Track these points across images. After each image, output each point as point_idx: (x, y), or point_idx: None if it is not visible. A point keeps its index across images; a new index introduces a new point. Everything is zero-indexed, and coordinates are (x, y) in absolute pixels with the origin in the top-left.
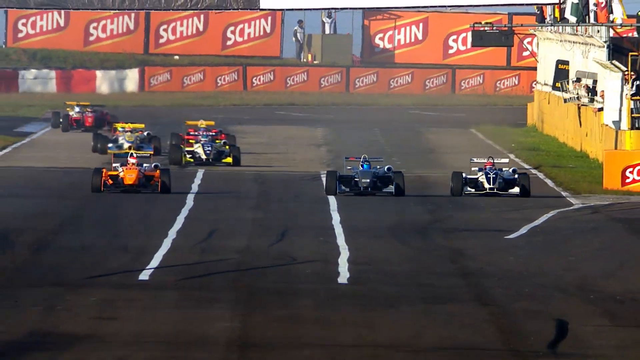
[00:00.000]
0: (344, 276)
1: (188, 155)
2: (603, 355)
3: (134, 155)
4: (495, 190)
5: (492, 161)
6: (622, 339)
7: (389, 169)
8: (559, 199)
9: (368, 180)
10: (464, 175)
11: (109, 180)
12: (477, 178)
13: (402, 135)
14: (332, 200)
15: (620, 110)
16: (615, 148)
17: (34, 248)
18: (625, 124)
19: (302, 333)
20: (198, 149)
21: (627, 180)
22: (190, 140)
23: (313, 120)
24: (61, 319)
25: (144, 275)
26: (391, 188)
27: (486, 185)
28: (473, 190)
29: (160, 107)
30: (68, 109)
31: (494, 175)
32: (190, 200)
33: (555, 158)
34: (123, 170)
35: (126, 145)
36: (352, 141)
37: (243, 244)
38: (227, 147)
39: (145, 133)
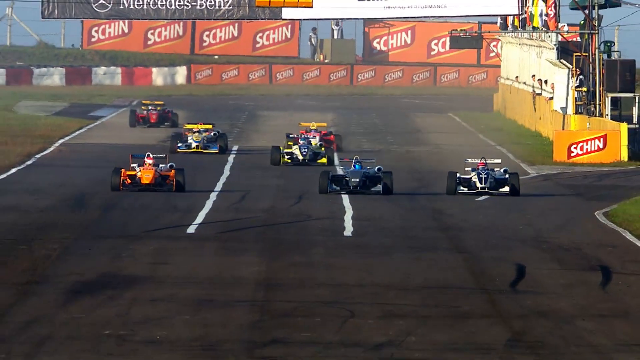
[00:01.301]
0: (348, 230)
1: (286, 157)
2: (553, 292)
3: (151, 156)
4: (486, 190)
5: (484, 161)
6: (568, 279)
7: (379, 169)
8: (519, 168)
9: (357, 180)
10: (458, 175)
11: (128, 179)
12: (470, 178)
13: (394, 118)
14: (296, 150)
15: (566, 99)
16: (563, 129)
17: (103, 208)
18: (570, 109)
19: (314, 275)
20: (295, 150)
21: (572, 154)
22: (289, 143)
23: (324, 107)
24: (125, 263)
25: (191, 229)
26: (379, 187)
27: (478, 185)
28: (466, 189)
29: (204, 96)
30: (143, 107)
31: (485, 175)
32: (227, 170)
33: (515, 137)
34: (140, 171)
35: (194, 144)
36: (355, 123)
37: (268, 205)
38: (322, 148)
39: (212, 133)
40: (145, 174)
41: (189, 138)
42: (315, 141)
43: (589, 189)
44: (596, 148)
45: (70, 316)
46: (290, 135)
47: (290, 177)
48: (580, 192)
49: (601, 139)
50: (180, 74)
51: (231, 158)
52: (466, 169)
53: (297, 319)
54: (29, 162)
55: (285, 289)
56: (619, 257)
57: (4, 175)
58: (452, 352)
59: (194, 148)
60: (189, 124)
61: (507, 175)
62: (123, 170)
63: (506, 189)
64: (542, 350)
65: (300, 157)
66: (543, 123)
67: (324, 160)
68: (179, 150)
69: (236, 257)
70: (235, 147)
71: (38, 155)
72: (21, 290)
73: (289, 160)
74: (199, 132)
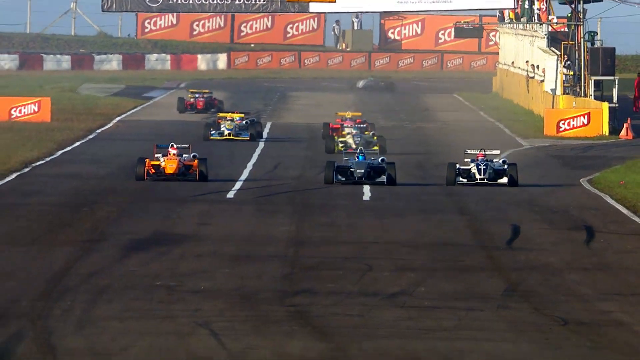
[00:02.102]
0: (367, 195)
1: (340, 145)
2: (544, 249)
3: (174, 146)
4: (485, 181)
5: (483, 153)
6: (557, 238)
7: (382, 160)
8: (514, 141)
9: (362, 171)
10: (457, 166)
11: (152, 169)
12: (470, 169)
13: (407, 98)
14: (349, 139)
15: (555, 82)
16: (552, 107)
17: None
18: (559, 90)
19: (338, 234)
20: (349, 139)
21: (561, 129)
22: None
23: (345, 89)
24: (174, 224)
25: (230, 194)
26: (384, 178)
27: (477, 176)
28: (465, 180)
29: (241, 80)
30: (190, 95)
31: (484, 167)
32: (261, 143)
33: (511, 114)
34: (164, 161)
35: (226, 132)
36: (372, 101)
37: (298, 173)
38: (375, 137)
39: (244, 122)
40: (169, 164)
41: (221, 126)
42: (367, 130)
43: (575, 159)
44: (581, 124)
45: (127, 269)
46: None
47: (316, 149)
48: (567, 162)
49: (585, 116)
50: (221, 60)
51: (259, 148)
52: (465, 160)
53: (322, 272)
54: (90, 136)
55: (312, 245)
56: (601, 218)
57: (69, 148)
58: (456, 300)
59: (226, 135)
60: (222, 107)
61: (505, 166)
62: (147, 160)
63: (505, 179)
64: (534, 299)
65: (354, 146)
66: (535, 102)
67: (376, 148)
68: (212, 137)
69: (269, 219)
70: (269, 124)
71: (98, 130)
72: (84, 247)
73: (343, 149)
74: (231, 120)
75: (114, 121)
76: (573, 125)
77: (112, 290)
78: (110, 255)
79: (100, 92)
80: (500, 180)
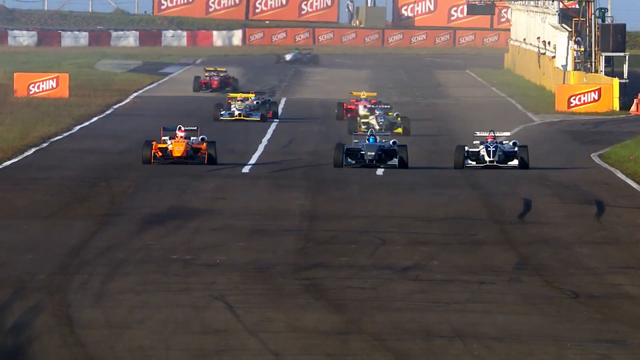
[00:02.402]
0: (380, 170)
1: (362, 126)
2: (555, 223)
3: (182, 128)
4: (495, 163)
5: (493, 135)
6: (568, 212)
7: (394, 142)
8: (525, 117)
9: (373, 154)
10: (466, 148)
11: (159, 152)
12: (479, 151)
13: (419, 74)
14: (372, 120)
15: (566, 58)
16: (563, 83)
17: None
18: (570, 66)
19: (351, 208)
20: (372, 120)
21: (571, 105)
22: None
23: (359, 65)
24: (189, 198)
25: (245, 169)
26: (395, 161)
27: (486, 158)
28: (474, 163)
29: (257, 55)
30: (206, 74)
31: (493, 149)
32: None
33: (523, 90)
34: (172, 143)
35: (236, 112)
36: (386, 79)
37: (312, 148)
38: (399, 118)
39: (255, 102)
40: (176, 147)
41: (232, 106)
42: (391, 111)
43: (586, 135)
44: (592, 99)
45: (143, 243)
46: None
47: (331, 126)
48: (578, 137)
49: (596, 92)
50: (237, 37)
51: (271, 130)
52: (474, 142)
53: (336, 246)
54: (107, 112)
55: (326, 220)
56: (611, 192)
57: (86, 123)
58: (469, 274)
59: (236, 116)
60: (238, 86)
61: (516, 148)
62: (154, 142)
63: (515, 162)
64: (545, 272)
65: (377, 127)
66: (546, 78)
67: (400, 130)
68: (221, 118)
69: (284, 193)
70: (284, 100)
71: (115, 106)
72: (101, 221)
73: (365, 130)
74: (242, 100)
75: (131, 97)
76: (584, 100)
77: (129, 264)
78: (127, 229)
79: (117, 68)
80: (511, 163)
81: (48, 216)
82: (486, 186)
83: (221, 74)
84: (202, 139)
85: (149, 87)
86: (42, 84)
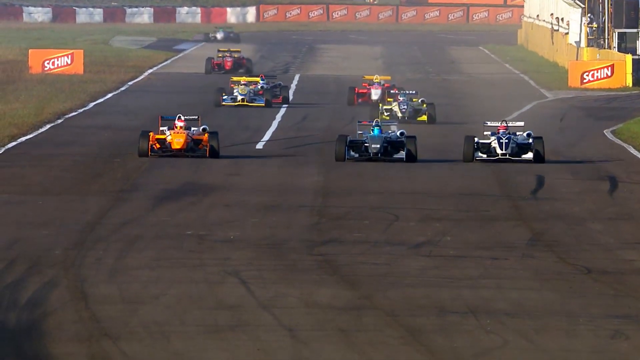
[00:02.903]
0: None
1: (385, 113)
2: (568, 199)
3: (182, 118)
4: (507, 156)
5: (505, 125)
6: (580, 188)
7: (401, 133)
8: (539, 93)
9: (378, 146)
10: (476, 140)
11: (156, 144)
12: (490, 143)
13: (433, 51)
14: (395, 107)
15: (580, 34)
16: (577, 59)
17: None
18: (583, 43)
19: (365, 184)
20: (395, 107)
21: (585, 81)
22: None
23: (373, 42)
24: (203, 174)
25: (259, 145)
26: (402, 154)
27: (498, 151)
28: (485, 156)
29: (270, 32)
30: (219, 54)
31: (506, 140)
32: (290, 95)
33: (536, 66)
34: (170, 135)
35: (239, 97)
36: (399, 55)
37: (325, 124)
38: (424, 105)
39: (259, 86)
40: (175, 139)
41: (234, 91)
42: (415, 97)
43: (599, 111)
44: (605, 76)
45: (158, 219)
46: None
47: (343, 102)
48: (591, 113)
49: (609, 68)
50: (251, 13)
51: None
52: (485, 133)
53: (350, 222)
54: (122, 88)
55: (339, 196)
56: (624, 168)
57: (101, 100)
58: (481, 249)
59: (239, 101)
60: (251, 67)
61: (530, 140)
62: (152, 133)
63: (530, 155)
64: (558, 248)
65: (400, 114)
66: (560, 54)
67: (424, 117)
68: (224, 103)
69: (298, 169)
70: (297, 76)
71: (130, 83)
72: (116, 197)
73: (388, 118)
74: (245, 84)
75: (145, 74)
76: (597, 77)
77: (143, 240)
78: (141, 206)
79: (131, 45)
80: (525, 156)
81: (63, 192)
82: (499, 162)
83: (235, 55)
84: (204, 130)
85: (163, 63)
86: (57, 60)
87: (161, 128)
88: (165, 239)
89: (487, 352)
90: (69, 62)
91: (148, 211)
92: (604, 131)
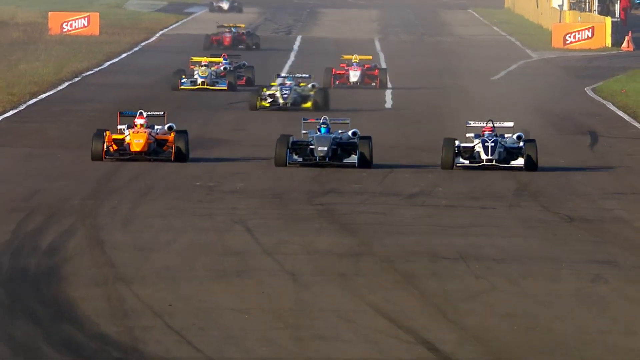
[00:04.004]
0: (389, 103)
1: (267, 100)
2: (552, 152)
3: (143, 114)
4: (494, 163)
5: (491, 126)
6: (564, 142)
7: (354, 133)
8: (524, 53)
9: (325, 149)
10: (457, 143)
11: (113, 145)
12: (474, 147)
13: (426, 14)
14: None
15: None
16: (559, 22)
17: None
18: (566, 6)
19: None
20: (277, 92)
21: (567, 42)
22: (273, 84)
23: (369, 6)
24: (212, 129)
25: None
26: (354, 158)
27: (483, 156)
28: (467, 162)
29: None
30: (217, 29)
31: (492, 144)
32: (292, 56)
33: (522, 28)
34: (130, 134)
35: (199, 80)
36: (393, 16)
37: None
38: (312, 91)
39: (222, 67)
40: (135, 139)
41: (194, 73)
42: (304, 82)
43: (580, 70)
44: (586, 37)
45: (167, 171)
46: (281, 75)
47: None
48: (573, 72)
49: (590, 30)
50: None
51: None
52: (467, 135)
53: (348, 174)
54: (135, 49)
55: None
56: (604, 124)
57: (116, 59)
58: (471, 199)
59: (199, 85)
60: (257, 42)
61: (521, 143)
62: (108, 132)
63: (520, 161)
64: (543, 198)
65: (281, 101)
66: (544, 17)
67: (309, 104)
68: (182, 87)
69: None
70: (299, 37)
71: (143, 43)
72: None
73: (268, 105)
74: (206, 65)
75: (157, 35)
76: (578, 38)
77: (155, 191)
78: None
79: (144, 8)
80: (514, 162)
81: (80, 146)
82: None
83: (242, 31)
84: (170, 128)
85: (174, 25)
86: (75, 22)
87: (119, 126)
88: (176, 190)
89: (477, 295)
90: (85, 24)
91: (159, 164)
92: (585, 89)
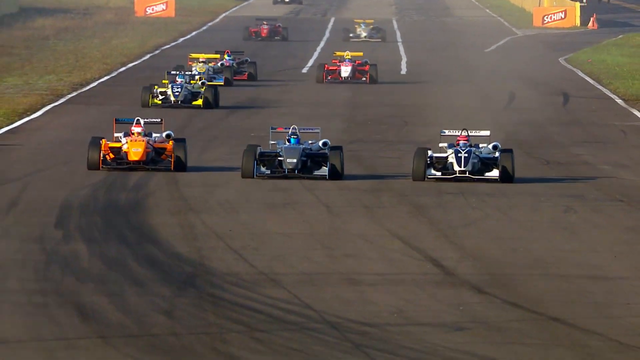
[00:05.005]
0: (404, 70)
1: (158, 97)
2: (533, 109)
3: (140, 122)
4: (467, 174)
5: (466, 135)
6: (542, 101)
7: (324, 144)
8: (511, 31)
9: (295, 161)
10: (429, 153)
11: (110, 154)
12: (446, 157)
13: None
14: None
15: None
16: (539, 6)
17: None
18: None
19: (382, 98)
20: (169, 89)
21: (545, 22)
22: (164, 82)
23: None
24: (262, 92)
25: (305, 69)
26: (325, 170)
27: (456, 168)
28: (439, 173)
29: None
30: (256, 22)
31: (466, 155)
32: (327, 32)
33: (509, 10)
34: (127, 143)
35: (197, 76)
36: (406, 1)
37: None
38: (203, 87)
39: (219, 63)
40: (132, 148)
41: (192, 68)
42: (198, 77)
43: (555, 44)
44: (560, 18)
45: (229, 124)
46: (171, 72)
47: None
48: (550, 46)
49: (563, 12)
50: None
51: None
52: (441, 145)
53: (371, 126)
54: (203, 28)
55: (363, 107)
56: (574, 87)
57: (188, 36)
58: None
59: (196, 80)
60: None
61: (497, 154)
62: (104, 141)
63: (495, 172)
64: (525, 145)
65: (172, 98)
66: (526, 2)
67: (200, 102)
68: (155, 101)
69: (332, 88)
70: (333, 19)
71: (210, 23)
72: (198, 108)
73: (160, 102)
74: (204, 62)
75: (221, 17)
76: (554, 18)
77: (219, 140)
78: (216, 114)
79: None
80: (489, 174)
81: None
82: (481, 82)
83: (278, 25)
84: (168, 136)
85: (234, 9)
86: (155, 7)
87: (116, 134)
88: (235, 139)
89: (473, 222)
90: (164, 8)
91: (221, 119)
92: (559, 59)
